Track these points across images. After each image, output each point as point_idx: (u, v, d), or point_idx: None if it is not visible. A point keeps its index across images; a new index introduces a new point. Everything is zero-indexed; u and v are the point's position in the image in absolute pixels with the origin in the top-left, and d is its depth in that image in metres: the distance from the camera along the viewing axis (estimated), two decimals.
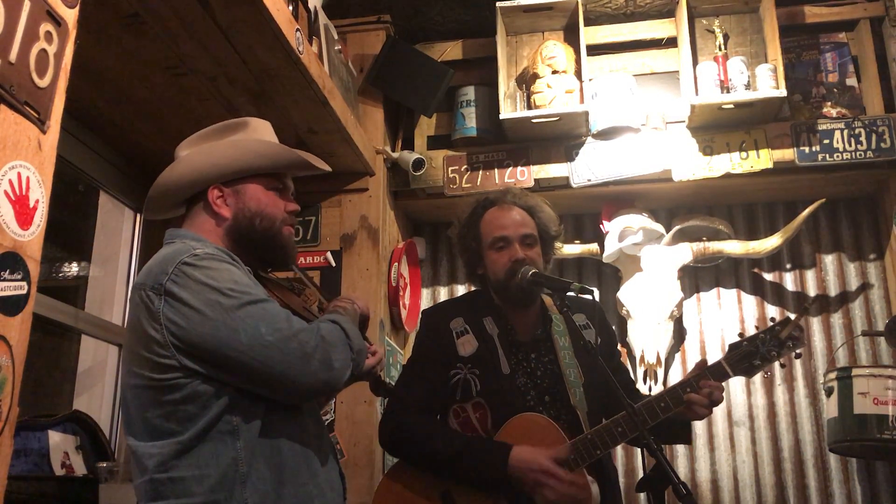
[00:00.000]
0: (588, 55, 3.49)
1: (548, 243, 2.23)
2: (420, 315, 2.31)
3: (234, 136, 1.75)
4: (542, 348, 2.16)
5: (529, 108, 3.49)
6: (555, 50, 3.49)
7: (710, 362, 2.05)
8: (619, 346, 2.39)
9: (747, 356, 2.02)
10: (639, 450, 1.89)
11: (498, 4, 3.56)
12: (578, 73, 3.49)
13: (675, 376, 3.57)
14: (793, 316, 2.07)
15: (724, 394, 2.02)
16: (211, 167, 1.69)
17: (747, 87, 3.33)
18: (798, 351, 2.08)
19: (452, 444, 2.02)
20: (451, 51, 3.78)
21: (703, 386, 1.98)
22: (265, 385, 1.53)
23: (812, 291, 3.62)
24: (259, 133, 1.77)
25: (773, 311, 3.61)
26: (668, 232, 3.53)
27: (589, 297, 1.96)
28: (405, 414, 2.11)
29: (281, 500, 1.54)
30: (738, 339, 2.07)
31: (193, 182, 1.70)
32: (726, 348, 2.08)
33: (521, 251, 2.12)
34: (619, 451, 3.53)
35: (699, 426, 3.51)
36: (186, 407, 1.51)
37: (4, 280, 1.27)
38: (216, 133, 1.76)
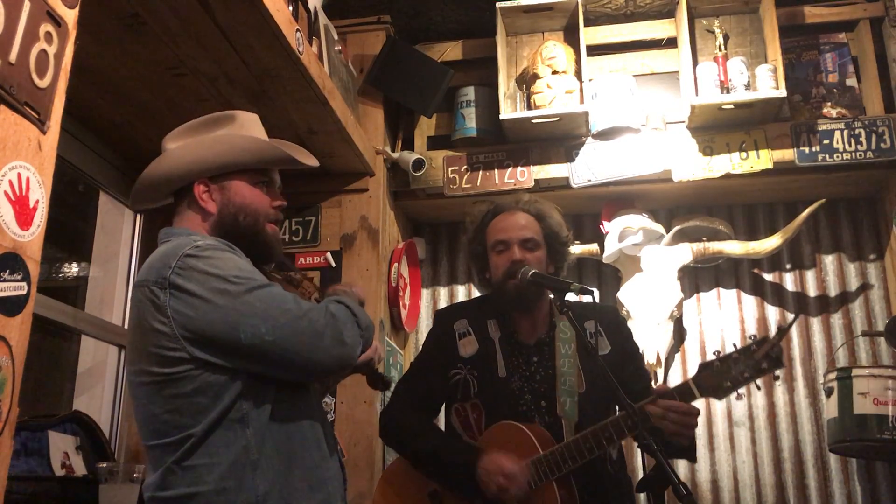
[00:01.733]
0: (588, 55, 3.49)
1: (556, 249, 2.24)
2: (434, 315, 2.38)
3: (221, 130, 1.75)
4: (546, 353, 2.17)
5: (529, 108, 3.49)
6: (555, 50, 3.49)
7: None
8: (637, 351, 2.34)
9: (716, 376, 1.90)
10: (639, 450, 1.89)
11: (498, 5, 3.56)
12: (578, 74, 3.49)
13: (675, 377, 3.57)
14: (772, 334, 1.93)
15: (693, 418, 1.89)
16: (197, 162, 1.69)
17: (747, 87, 3.33)
18: (776, 373, 1.97)
19: (432, 442, 2.10)
20: (451, 51, 3.78)
21: (662, 405, 1.88)
22: (279, 365, 1.54)
23: (812, 292, 3.62)
24: (246, 127, 1.77)
25: (773, 312, 3.61)
26: (668, 232, 3.53)
27: (589, 297, 1.96)
28: (399, 409, 2.22)
29: (290, 484, 1.55)
30: (712, 357, 1.95)
31: (180, 177, 1.70)
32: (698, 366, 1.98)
33: (519, 253, 2.13)
34: None
35: (699, 427, 3.50)
36: (198, 399, 1.51)
37: (4, 280, 1.27)
38: (203, 126, 1.76)
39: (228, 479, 1.49)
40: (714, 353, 1.96)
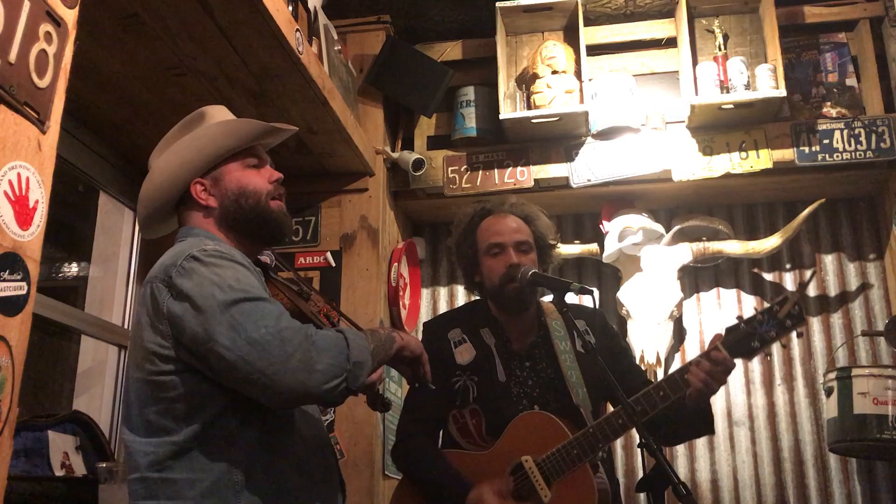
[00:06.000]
0: (588, 55, 3.49)
1: (544, 251, 2.25)
2: (422, 327, 2.34)
3: (196, 128, 1.73)
4: (537, 356, 2.18)
5: (529, 108, 3.49)
6: (554, 50, 3.50)
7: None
8: (628, 348, 2.36)
9: (745, 338, 1.95)
10: (639, 450, 1.90)
11: (498, 4, 3.56)
12: (578, 74, 3.49)
13: None
14: (791, 294, 2.01)
15: (729, 372, 1.96)
16: (184, 164, 1.68)
17: (747, 87, 3.33)
18: (799, 330, 2.01)
19: (430, 474, 2.08)
20: (451, 51, 3.78)
21: (710, 360, 1.94)
22: (245, 383, 1.47)
23: (812, 292, 3.61)
24: (217, 119, 1.76)
25: None
26: (667, 232, 3.53)
27: (589, 297, 1.97)
28: (408, 431, 2.18)
29: None
30: (735, 321, 2.00)
31: (173, 185, 1.68)
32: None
33: (515, 257, 2.14)
34: (619, 451, 3.53)
35: None
36: (183, 405, 1.50)
37: (4, 280, 1.27)
38: (178, 132, 1.75)
39: (209, 498, 1.46)
40: (737, 318, 1.99)
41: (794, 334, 3.55)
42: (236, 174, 1.70)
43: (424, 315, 3.82)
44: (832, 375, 3.14)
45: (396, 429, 2.26)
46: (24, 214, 1.32)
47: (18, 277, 1.30)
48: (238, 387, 1.49)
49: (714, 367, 1.92)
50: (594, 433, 1.96)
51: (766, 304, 2.01)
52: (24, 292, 1.31)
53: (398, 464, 2.19)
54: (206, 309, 1.47)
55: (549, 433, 2.00)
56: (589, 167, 3.48)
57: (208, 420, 1.50)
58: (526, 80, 3.58)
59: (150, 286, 1.55)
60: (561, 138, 3.53)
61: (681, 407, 1.97)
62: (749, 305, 3.64)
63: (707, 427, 2.09)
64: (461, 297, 3.85)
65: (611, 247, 3.50)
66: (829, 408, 3.15)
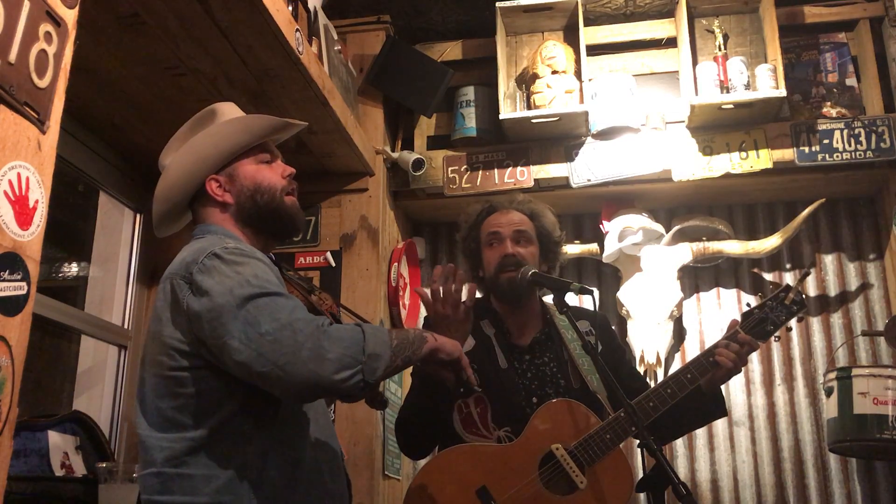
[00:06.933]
0: (588, 55, 3.49)
1: (548, 248, 2.26)
2: (421, 321, 2.35)
3: (209, 125, 1.75)
4: (538, 350, 2.18)
5: (529, 108, 3.50)
6: (554, 50, 3.50)
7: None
8: (629, 353, 2.38)
9: (760, 323, 2.16)
10: (639, 450, 1.91)
11: (498, 4, 3.56)
12: (578, 74, 3.49)
13: None
14: (793, 283, 2.25)
15: (752, 351, 2.13)
16: (199, 161, 1.69)
17: (747, 87, 3.33)
18: (801, 314, 2.28)
19: (415, 396, 2.13)
20: (450, 51, 3.78)
21: (736, 341, 2.09)
22: (259, 377, 1.46)
23: (812, 291, 3.62)
24: (228, 116, 1.77)
25: None
26: (667, 232, 3.53)
27: (588, 297, 1.98)
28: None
29: None
30: (747, 308, 2.22)
31: (188, 182, 1.70)
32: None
33: (511, 247, 2.15)
34: None
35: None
36: (200, 401, 1.50)
37: (4, 280, 1.27)
38: (190, 130, 1.76)
39: (225, 495, 1.47)
40: (747, 305, 2.23)
41: (793, 330, 3.56)
42: (251, 170, 1.71)
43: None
44: (832, 375, 3.14)
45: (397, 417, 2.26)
46: (24, 214, 1.33)
47: (18, 277, 1.30)
48: (253, 381, 1.49)
49: (741, 347, 2.08)
50: (627, 417, 1.96)
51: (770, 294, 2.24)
52: (24, 292, 1.31)
53: (402, 437, 2.17)
54: (224, 305, 1.48)
55: (578, 420, 2.01)
56: (589, 167, 3.48)
57: (225, 417, 1.51)
58: (526, 80, 3.58)
59: (171, 282, 1.55)
60: (561, 138, 3.53)
61: (695, 393, 2.06)
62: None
63: (722, 409, 2.19)
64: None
65: (611, 247, 3.50)
66: (829, 408, 3.15)
